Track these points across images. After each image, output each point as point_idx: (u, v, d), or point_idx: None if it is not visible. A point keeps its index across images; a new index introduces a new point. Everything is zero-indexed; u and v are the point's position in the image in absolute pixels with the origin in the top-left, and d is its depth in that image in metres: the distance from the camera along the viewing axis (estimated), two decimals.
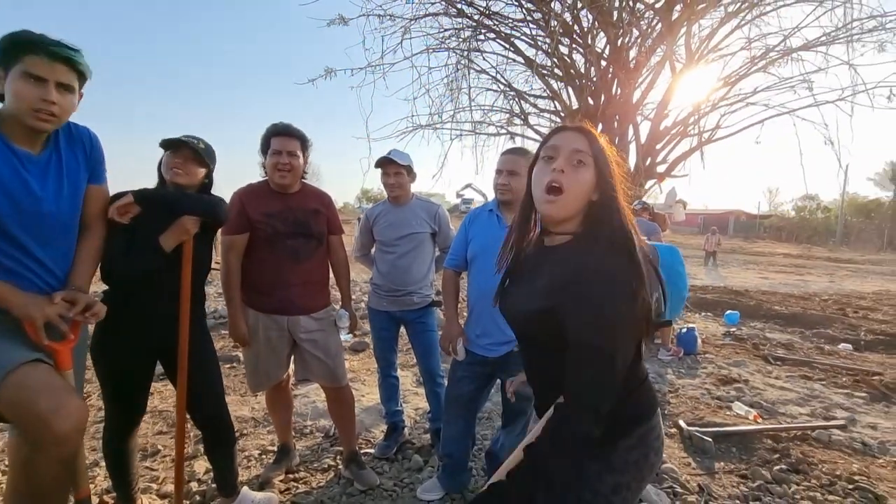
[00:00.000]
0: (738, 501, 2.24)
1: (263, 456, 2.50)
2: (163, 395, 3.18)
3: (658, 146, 4.29)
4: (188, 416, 1.83)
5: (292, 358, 2.22)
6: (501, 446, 2.02)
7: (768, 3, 3.92)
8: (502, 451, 2.03)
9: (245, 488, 2.03)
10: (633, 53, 4.25)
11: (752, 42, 4.06)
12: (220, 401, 1.88)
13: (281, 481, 2.26)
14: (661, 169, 4.34)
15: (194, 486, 2.20)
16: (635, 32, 4.18)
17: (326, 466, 2.41)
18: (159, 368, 1.83)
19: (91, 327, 1.68)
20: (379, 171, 2.49)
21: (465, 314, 2.12)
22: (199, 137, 1.75)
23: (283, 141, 2.00)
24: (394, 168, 2.39)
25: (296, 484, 2.25)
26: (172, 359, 1.72)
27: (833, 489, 2.37)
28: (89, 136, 1.47)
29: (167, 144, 1.70)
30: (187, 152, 1.70)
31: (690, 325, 5.22)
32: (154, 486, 2.20)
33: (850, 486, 2.38)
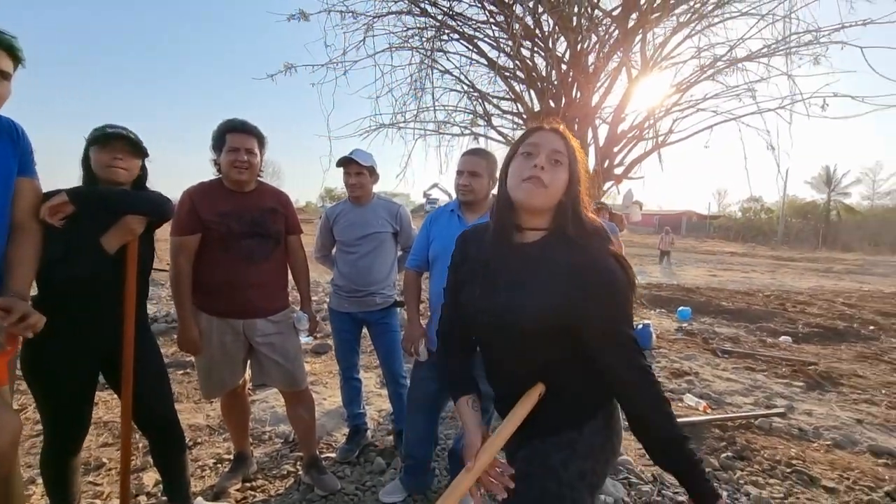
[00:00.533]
0: None
1: (219, 465, 2.40)
2: (108, 405, 3.00)
3: (615, 149, 4.43)
4: (135, 424, 1.74)
5: (248, 363, 2.15)
6: (464, 447, 2.02)
7: (716, 15, 4.12)
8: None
9: (199, 499, 1.95)
10: (591, 58, 4.37)
11: (702, 51, 4.27)
12: (168, 402, 1.80)
13: (237, 490, 2.18)
14: (618, 171, 4.48)
15: (143, 499, 2.09)
16: (594, 38, 4.30)
17: (286, 473, 2.34)
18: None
19: None
20: (341, 169, 2.44)
21: (427, 314, 2.11)
22: (124, 127, 1.63)
23: (240, 138, 1.93)
24: (355, 168, 2.35)
25: (253, 493, 2.18)
26: (115, 366, 1.62)
27: (773, 473, 2.53)
28: (15, 125, 1.36)
29: (102, 138, 1.57)
30: (123, 145, 1.59)
31: (646, 322, 5.44)
32: (98, 501, 2.08)
33: (789, 470, 2.54)
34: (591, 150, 4.46)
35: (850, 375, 4.32)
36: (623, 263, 1.00)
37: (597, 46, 4.36)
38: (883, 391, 3.97)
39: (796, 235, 37.07)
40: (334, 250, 2.57)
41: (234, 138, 1.93)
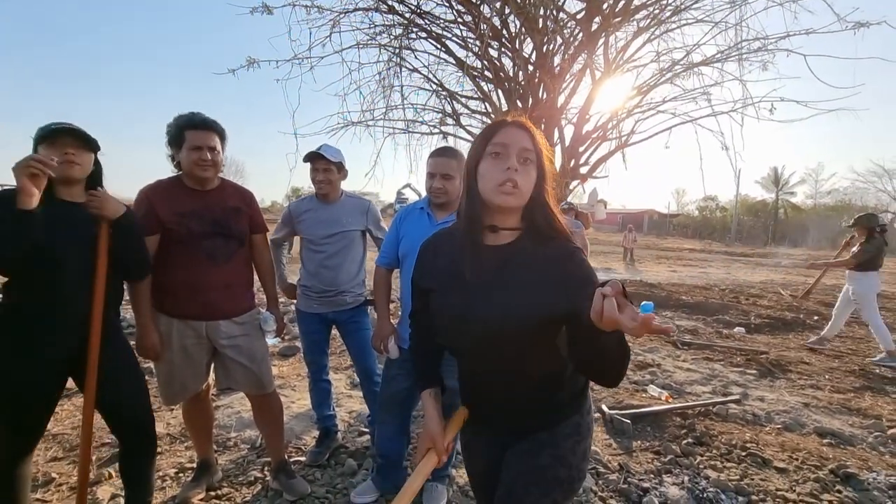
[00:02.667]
0: (652, 475, 2.44)
1: (181, 474, 2.31)
2: (57, 417, 2.82)
3: (581, 149, 4.55)
4: (108, 425, 1.70)
5: (212, 366, 2.07)
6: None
7: (673, 21, 4.30)
8: None
9: None
10: (557, 60, 4.47)
11: (661, 55, 4.44)
12: (145, 403, 1.75)
13: (201, 500, 2.10)
14: (583, 170, 4.60)
15: None
16: (559, 40, 4.39)
17: (253, 479, 2.27)
18: None
19: None
20: (308, 166, 2.39)
21: (397, 312, 2.10)
22: (70, 122, 1.54)
23: (201, 135, 1.85)
24: (323, 164, 2.31)
25: (218, 501, 2.11)
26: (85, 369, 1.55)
27: (730, 457, 2.66)
28: None
29: (50, 134, 1.47)
30: (72, 140, 1.50)
31: None
32: None
33: (744, 453, 2.68)
34: (558, 149, 4.55)
35: (797, 363, 4.60)
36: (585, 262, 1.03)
37: (562, 48, 4.46)
38: (826, 377, 4.25)
39: (748, 232, 39.12)
40: (296, 247, 2.52)
41: (195, 135, 1.85)
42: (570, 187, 4.69)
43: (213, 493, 2.15)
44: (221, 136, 1.95)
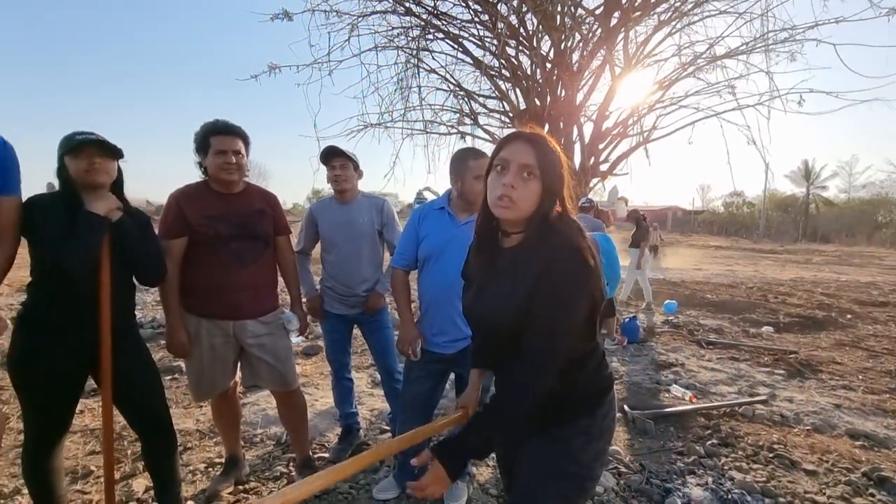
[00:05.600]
0: (675, 476, 2.41)
1: (210, 469, 2.39)
2: (95, 413, 2.95)
3: (601, 146, 4.50)
4: (128, 424, 1.76)
5: (239, 364, 2.14)
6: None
7: (695, 13, 4.21)
8: None
9: (190, 503, 1.94)
10: (576, 57, 4.43)
11: (682, 49, 4.35)
12: (160, 401, 1.80)
13: (230, 493, 2.18)
14: (604, 168, 4.55)
15: None
16: (577, 37, 4.35)
17: (279, 474, 2.34)
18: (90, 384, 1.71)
19: (7, 338, 1.55)
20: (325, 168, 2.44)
21: (418, 313, 2.13)
22: (92, 132, 1.59)
23: (226, 140, 1.92)
24: (339, 161, 2.35)
25: (246, 495, 2.18)
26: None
27: (756, 458, 2.60)
28: (3, 144, 1.36)
29: (76, 146, 1.54)
30: (96, 150, 1.56)
31: (632, 315, 5.52)
32: None
33: (771, 455, 2.62)
34: (577, 147, 4.51)
35: (828, 363, 4.45)
36: (582, 257, 1.00)
37: (581, 45, 4.42)
38: (860, 377, 4.10)
39: (777, 228, 37.89)
40: (319, 249, 2.56)
41: (220, 140, 1.92)
42: (591, 185, 4.64)
43: (241, 488, 2.22)
44: (245, 140, 2.01)
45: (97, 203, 1.56)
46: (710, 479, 2.36)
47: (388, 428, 2.80)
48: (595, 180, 4.74)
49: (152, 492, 2.11)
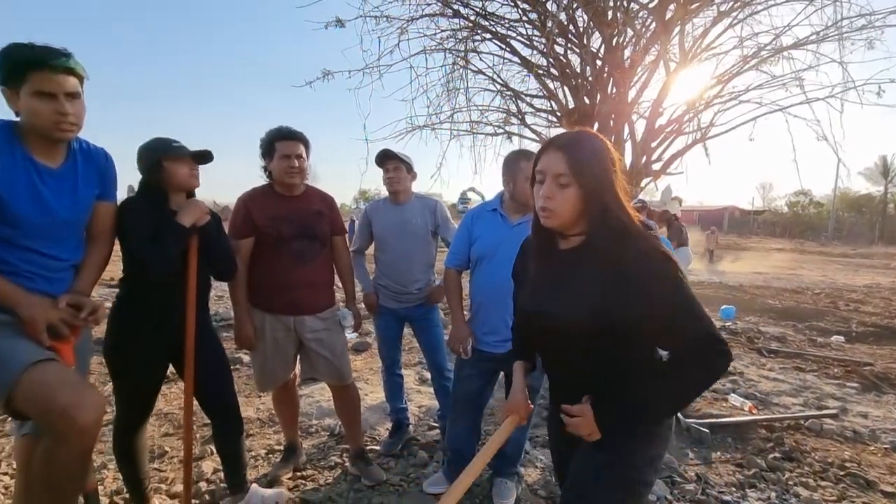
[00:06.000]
0: (734, 489, 2.31)
1: (270, 455, 2.54)
2: (167, 398, 3.21)
3: (653, 144, 4.34)
4: (201, 408, 1.90)
5: (298, 358, 2.27)
6: (507, 440, 2.06)
7: (759, 2, 3.97)
8: (508, 444, 2.08)
9: (254, 485, 2.07)
10: (627, 53, 4.30)
11: (744, 41, 4.12)
12: (230, 389, 1.95)
13: (289, 479, 2.31)
14: (656, 167, 4.39)
15: (203, 485, 2.23)
16: (630, 32, 4.23)
17: (333, 464, 2.45)
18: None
19: (102, 328, 1.73)
20: (378, 172, 2.52)
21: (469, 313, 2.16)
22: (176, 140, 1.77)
23: (289, 144, 2.04)
24: (393, 164, 2.43)
25: (303, 481, 2.30)
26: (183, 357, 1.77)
27: (825, 475, 2.44)
28: (105, 156, 1.54)
29: (176, 151, 1.71)
30: (192, 157, 1.75)
31: None
32: (163, 486, 2.24)
33: (842, 473, 2.45)
34: (628, 145, 4.39)
35: None
36: (663, 255, 1.01)
37: (633, 40, 4.29)
38: None
39: (849, 230, 34.90)
40: (372, 248, 2.65)
41: (285, 145, 2.04)
42: (642, 185, 4.50)
43: (298, 474, 2.35)
44: (306, 144, 2.13)
45: (188, 208, 1.71)
46: (772, 495, 2.24)
47: (436, 425, 2.86)
48: (647, 180, 4.58)
49: (219, 474, 2.28)
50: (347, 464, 2.41)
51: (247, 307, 2.08)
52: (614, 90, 4.33)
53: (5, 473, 2.28)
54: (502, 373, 2.15)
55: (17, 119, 1.33)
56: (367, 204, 2.78)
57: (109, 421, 1.99)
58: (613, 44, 4.14)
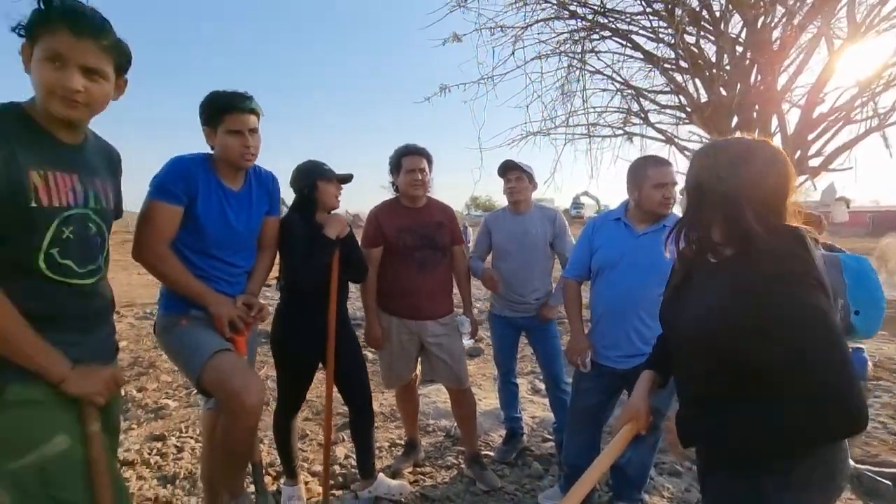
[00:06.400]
0: None
1: (392, 448, 2.73)
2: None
3: (810, 136, 3.72)
4: (341, 397, 2.15)
5: (419, 360, 2.41)
6: (629, 460, 1.94)
7: None
8: (629, 465, 1.96)
9: (381, 475, 2.25)
10: (776, 34, 3.76)
11: None
12: (365, 383, 2.16)
13: (409, 472, 2.45)
14: (814, 162, 3.75)
15: (336, 468, 2.48)
16: (779, 10, 3.69)
17: (449, 464, 2.54)
18: None
19: (268, 326, 2.05)
20: (487, 179, 2.57)
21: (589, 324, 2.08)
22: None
23: (414, 160, 2.21)
24: (515, 173, 2.45)
25: (423, 477, 2.43)
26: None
27: None
28: (273, 179, 1.84)
29: (330, 173, 2.01)
30: (339, 182, 2.03)
31: (858, 346, 4.40)
32: (305, 465, 2.54)
33: None
34: (778, 139, 3.82)
35: None
36: (799, 283, 0.86)
37: (783, 18, 3.73)
38: None
39: None
40: (490, 258, 2.69)
41: (410, 160, 2.21)
42: (797, 183, 3.87)
43: (418, 469, 2.49)
44: (429, 160, 2.28)
45: (333, 222, 1.96)
46: None
47: (550, 437, 2.80)
48: (802, 178, 3.93)
49: (350, 459, 2.52)
50: (463, 465, 2.48)
51: (375, 310, 2.28)
52: (758, 78, 3.81)
53: (193, 438, 2.80)
54: (625, 391, 2.03)
55: (211, 152, 1.65)
56: (487, 214, 2.84)
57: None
58: (758, 26, 3.65)
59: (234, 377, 1.47)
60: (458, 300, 2.51)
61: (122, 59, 1.16)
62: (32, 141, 1.07)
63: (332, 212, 2.08)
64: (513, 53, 4.50)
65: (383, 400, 3.40)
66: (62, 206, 1.10)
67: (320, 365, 2.11)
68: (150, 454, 2.59)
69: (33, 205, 1.05)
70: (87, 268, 1.17)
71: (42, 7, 1.04)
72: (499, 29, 4.60)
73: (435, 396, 3.40)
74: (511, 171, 2.46)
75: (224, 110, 1.55)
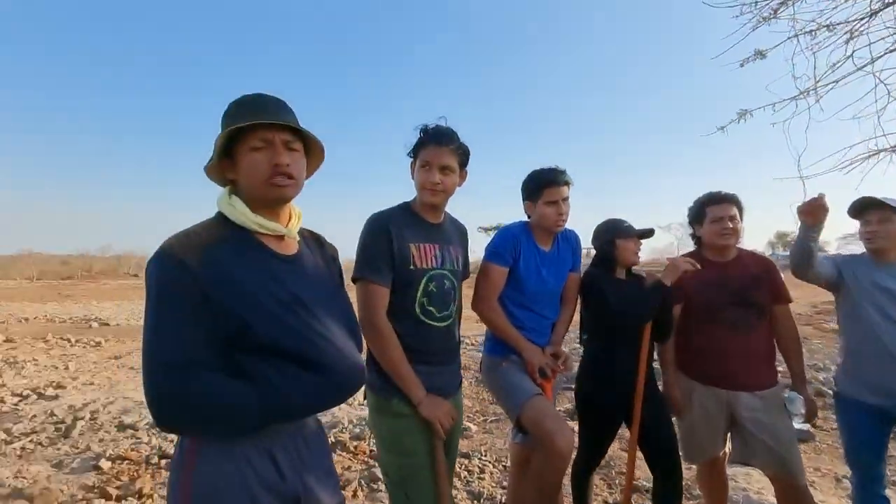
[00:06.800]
0: None
1: None
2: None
3: None
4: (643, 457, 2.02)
5: (728, 435, 2.07)
6: None
7: None
8: None
9: None
10: None
11: None
12: (674, 444, 1.97)
13: None
14: None
15: None
16: None
17: None
18: None
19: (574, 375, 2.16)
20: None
21: None
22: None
23: (722, 207, 2.03)
24: (878, 213, 1.90)
25: None
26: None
27: None
28: (576, 238, 2.03)
29: (643, 234, 2.04)
30: (638, 237, 2.03)
31: None
32: None
33: None
34: None
35: None
36: None
37: None
38: None
39: None
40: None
41: (717, 209, 2.02)
42: None
43: None
44: (739, 206, 2.03)
45: (671, 270, 1.93)
46: None
47: None
48: None
49: None
50: None
51: (675, 370, 2.11)
52: None
53: (491, 462, 3.17)
54: None
55: (529, 220, 1.95)
56: (838, 255, 2.26)
57: None
58: None
59: (548, 419, 1.63)
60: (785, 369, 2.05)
61: (463, 157, 1.60)
62: (412, 224, 1.57)
63: (668, 258, 2.08)
64: (847, 55, 3.55)
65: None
66: (428, 267, 1.54)
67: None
68: (460, 468, 3.08)
69: (412, 267, 1.51)
70: (443, 313, 1.57)
71: (422, 135, 1.59)
72: (824, 29, 3.74)
73: (744, 482, 2.81)
74: (872, 210, 1.91)
75: (544, 186, 1.83)
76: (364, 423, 3.78)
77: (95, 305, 14.48)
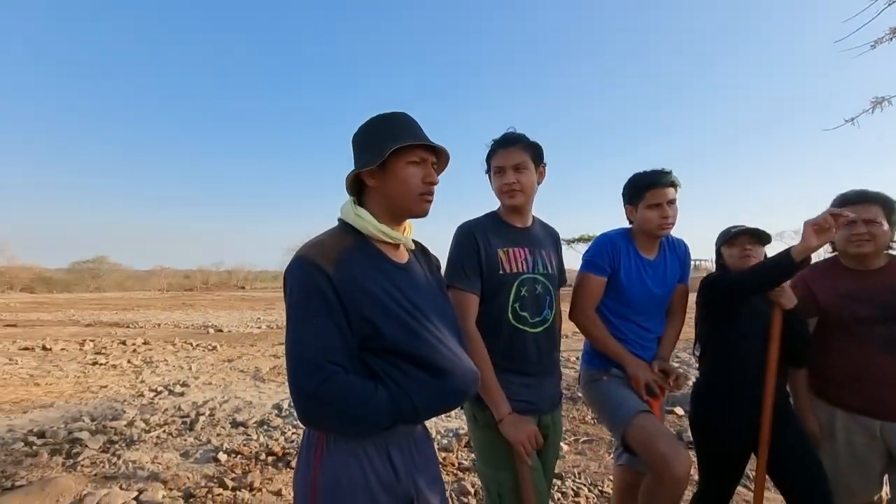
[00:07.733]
0: None
1: None
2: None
3: None
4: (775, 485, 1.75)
5: (886, 477, 1.74)
6: None
7: None
8: None
9: None
10: None
11: None
12: (818, 474, 1.66)
13: None
14: None
15: None
16: None
17: None
18: None
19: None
20: None
21: None
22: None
23: (861, 209, 1.73)
24: None
25: None
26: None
27: None
28: (685, 248, 1.88)
29: (732, 237, 1.84)
30: (748, 238, 1.82)
31: None
32: None
33: None
34: None
35: None
36: None
37: None
38: None
39: None
40: None
41: (856, 209, 1.75)
42: None
43: None
44: (887, 206, 1.73)
45: (788, 293, 1.73)
46: None
47: None
48: None
49: None
50: None
51: (808, 397, 1.84)
52: None
53: (586, 486, 3.00)
54: None
55: (630, 226, 1.85)
56: None
57: None
58: None
59: (660, 440, 1.50)
60: None
61: (535, 152, 1.56)
62: (499, 229, 1.57)
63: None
64: None
65: None
66: (519, 271, 1.51)
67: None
68: (553, 490, 2.95)
69: (501, 272, 1.50)
70: (536, 319, 1.54)
71: (491, 145, 1.61)
72: None
73: None
74: None
75: (646, 187, 1.72)
76: (451, 434, 3.79)
77: (211, 314, 16.25)
